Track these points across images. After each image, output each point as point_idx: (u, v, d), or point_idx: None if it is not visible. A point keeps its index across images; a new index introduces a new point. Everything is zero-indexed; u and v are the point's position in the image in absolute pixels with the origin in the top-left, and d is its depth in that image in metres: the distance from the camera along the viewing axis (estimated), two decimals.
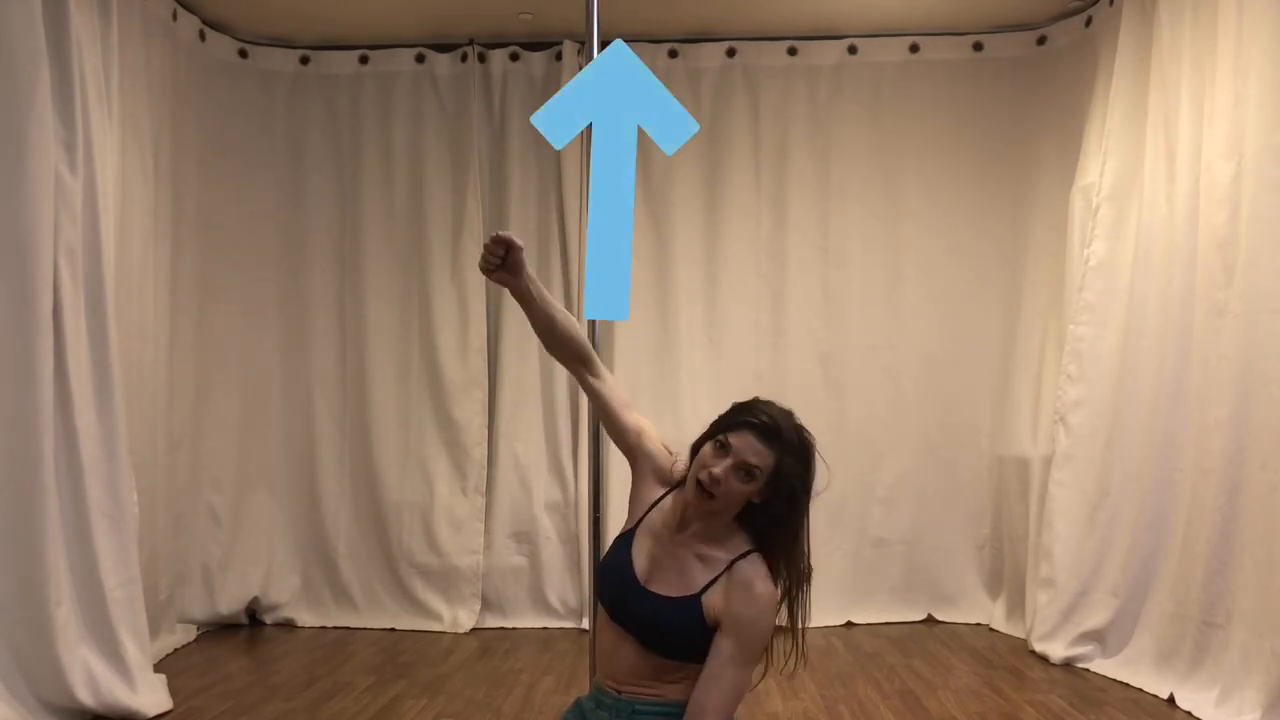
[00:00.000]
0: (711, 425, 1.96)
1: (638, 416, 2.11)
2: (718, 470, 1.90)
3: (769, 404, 1.97)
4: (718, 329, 5.36)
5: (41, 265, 3.43)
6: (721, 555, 1.95)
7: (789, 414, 1.96)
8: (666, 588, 1.96)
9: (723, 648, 1.91)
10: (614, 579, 2.01)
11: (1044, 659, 4.46)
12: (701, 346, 5.33)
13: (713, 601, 1.93)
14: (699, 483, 1.91)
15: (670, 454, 2.09)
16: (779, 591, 1.96)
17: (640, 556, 2.01)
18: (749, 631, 1.91)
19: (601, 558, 2.08)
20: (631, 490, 2.09)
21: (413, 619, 5.23)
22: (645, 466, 2.07)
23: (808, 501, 1.97)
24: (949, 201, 5.34)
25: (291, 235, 5.42)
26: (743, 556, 1.95)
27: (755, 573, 1.93)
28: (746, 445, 1.90)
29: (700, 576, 1.94)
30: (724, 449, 1.91)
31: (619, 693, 1.99)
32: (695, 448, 1.97)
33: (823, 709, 3.83)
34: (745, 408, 1.96)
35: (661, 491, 2.06)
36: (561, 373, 5.37)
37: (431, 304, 5.36)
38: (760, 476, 1.91)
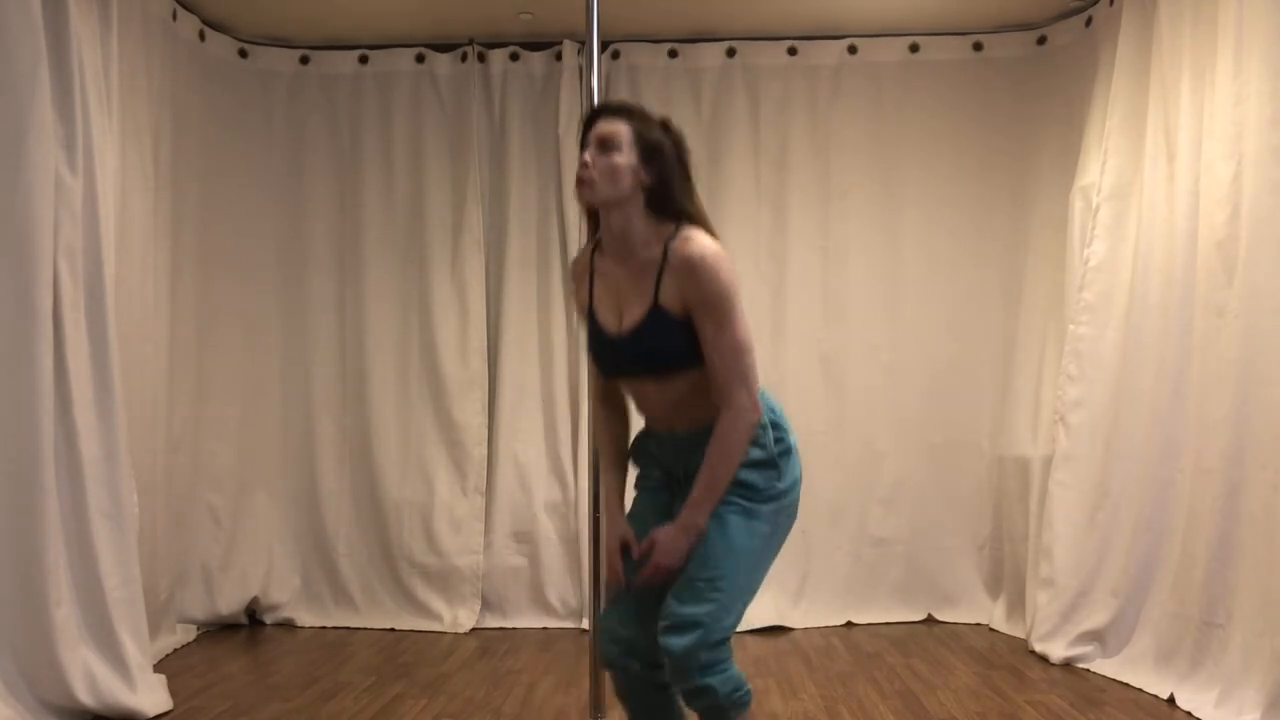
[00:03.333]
0: None
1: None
2: (585, 157, 2.08)
3: None
4: None
5: (41, 265, 3.43)
6: (654, 252, 2.10)
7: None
8: (633, 317, 2.12)
9: (704, 327, 2.06)
10: (600, 349, 2.21)
11: (1044, 659, 4.46)
12: None
13: (669, 296, 2.07)
14: (576, 185, 2.10)
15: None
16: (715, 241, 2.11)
17: (606, 318, 2.18)
18: (713, 296, 2.05)
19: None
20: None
21: (413, 619, 5.23)
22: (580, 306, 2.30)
23: (681, 150, 2.14)
24: (949, 201, 5.34)
25: (291, 235, 5.42)
26: (671, 238, 2.10)
27: (686, 243, 2.07)
28: (597, 128, 2.10)
29: (647, 284, 2.10)
30: (583, 146, 2.12)
31: (673, 431, 2.17)
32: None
33: (823, 709, 3.83)
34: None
35: (587, 284, 2.25)
36: (561, 373, 5.36)
37: (431, 304, 5.36)
38: (623, 143, 2.07)
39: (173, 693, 3.89)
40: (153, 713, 3.71)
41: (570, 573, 5.29)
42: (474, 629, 5.18)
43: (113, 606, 3.68)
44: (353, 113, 5.43)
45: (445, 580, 5.26)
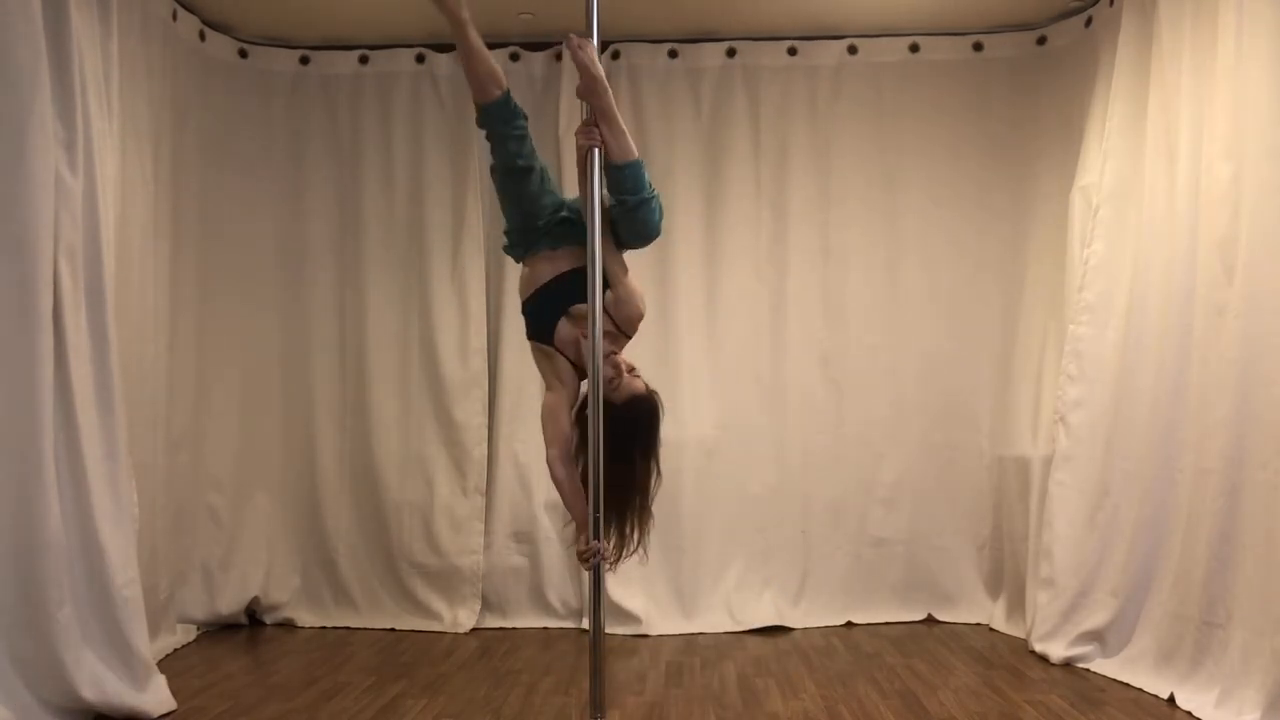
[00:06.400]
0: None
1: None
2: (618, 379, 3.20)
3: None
4: (718, 330, 5.35)
5: (41, 265, 3.43)
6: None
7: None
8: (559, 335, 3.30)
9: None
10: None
11: (1044, 659, 4.46)
12: (702, 348, 5.32)
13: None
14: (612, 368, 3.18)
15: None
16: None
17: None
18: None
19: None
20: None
21: (413, 619, 5.23)
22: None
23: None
24: (949, 201, 5.34)
25: (291, 235, 5.42)
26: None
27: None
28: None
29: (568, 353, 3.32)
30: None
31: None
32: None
33: (823, 709, 3.83)
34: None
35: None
36: None
37: (431, 304, 5.36)
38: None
39: (173, 692, 3.89)
40: (158, 712, 3.72)
41: (570, 572, 5.29)
42: (474, 629, 5.18)
43: (114, 607, 3.68)
44: (353, 113, 5.43)
45: (445, 580, 5.26)
